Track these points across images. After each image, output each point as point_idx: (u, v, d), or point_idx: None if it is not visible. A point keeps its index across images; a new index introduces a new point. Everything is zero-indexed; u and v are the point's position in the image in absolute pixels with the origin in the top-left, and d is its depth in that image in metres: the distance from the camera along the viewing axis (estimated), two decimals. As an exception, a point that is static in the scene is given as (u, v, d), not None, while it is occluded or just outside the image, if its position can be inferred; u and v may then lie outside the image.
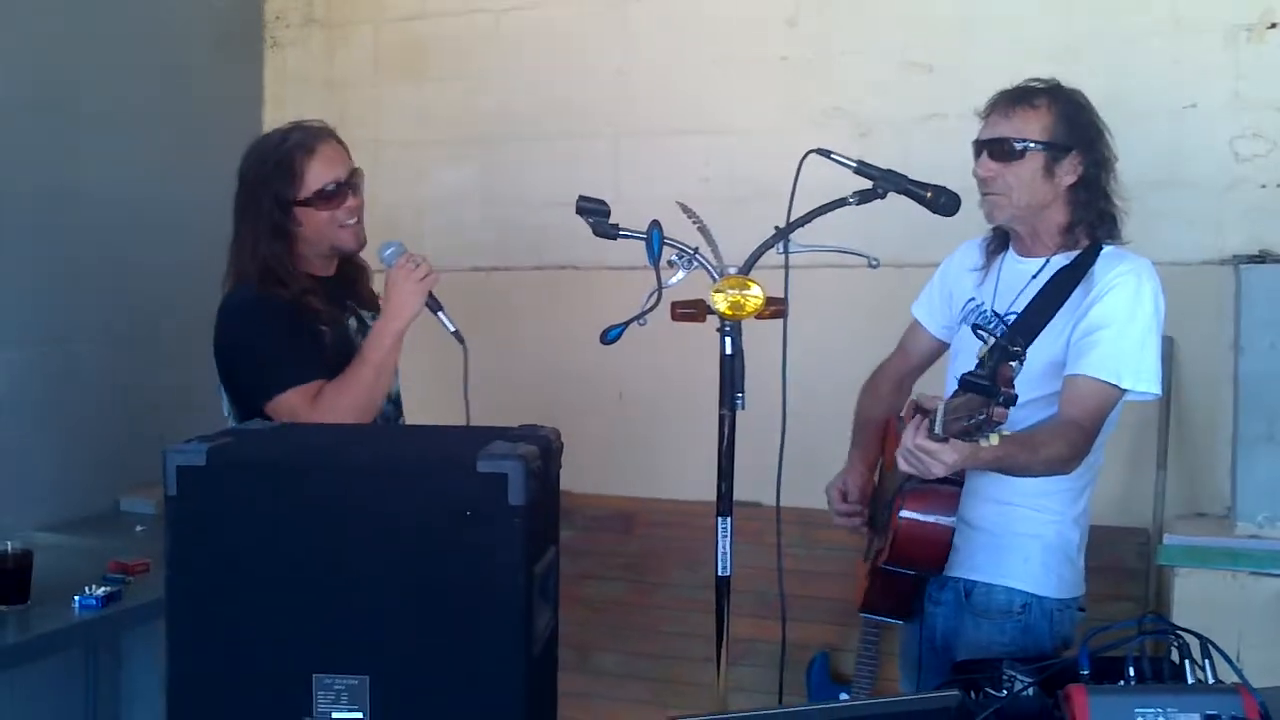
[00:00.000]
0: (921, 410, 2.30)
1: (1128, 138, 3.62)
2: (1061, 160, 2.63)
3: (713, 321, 2.27)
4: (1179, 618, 3.22)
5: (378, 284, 3.05)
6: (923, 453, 2.20)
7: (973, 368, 1.98)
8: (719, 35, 4.29)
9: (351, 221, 2.90)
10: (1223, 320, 3.62)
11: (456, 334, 2.81)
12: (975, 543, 2.65)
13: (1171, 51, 3.77)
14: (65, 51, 3.84)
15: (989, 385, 1.92)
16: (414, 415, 3.18)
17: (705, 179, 4.26)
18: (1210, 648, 1.97)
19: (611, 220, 2.39)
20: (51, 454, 3.76)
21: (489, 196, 4.60)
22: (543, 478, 1.97)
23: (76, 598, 2.74)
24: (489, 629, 1.85)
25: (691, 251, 2.29)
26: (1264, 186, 3.70)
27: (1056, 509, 2.68)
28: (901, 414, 2.87)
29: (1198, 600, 3.35)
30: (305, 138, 2.87)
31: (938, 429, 2.13)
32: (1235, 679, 1.90)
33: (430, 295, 2.82)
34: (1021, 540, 2.66)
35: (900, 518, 2.51)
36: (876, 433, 2.96)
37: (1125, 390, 2.53)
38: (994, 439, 1.96)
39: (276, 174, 2.83)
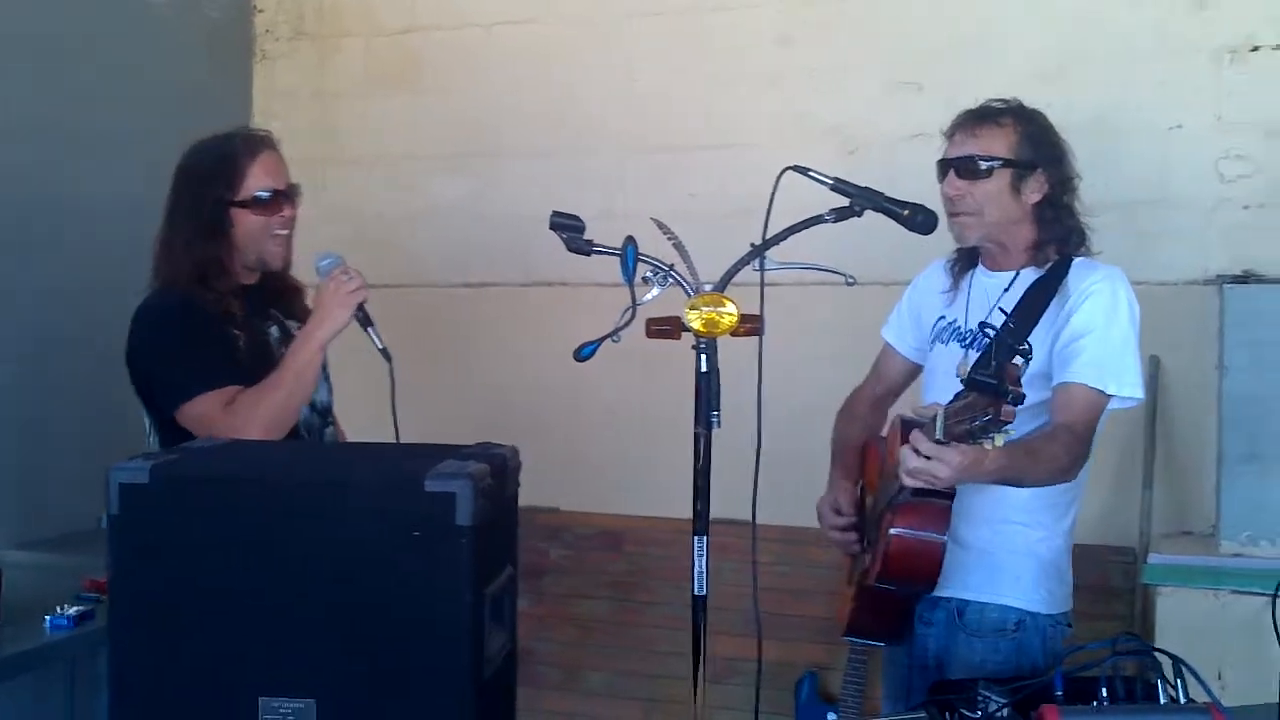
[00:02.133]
0: (914, 424, 2.30)
1: (1115, 157, 3.68)
2: (1027, 178, 2.65)
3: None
4: (1161, 637, 3.24)
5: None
6: (928, 458, 2.20)
7: (966, 374, 1.98)
8: (711, 53, 4.29)
9: (283, 233, 2.89)
10: (1208, 339, 3.62)
11: (384, 351, 2.78)
12: (968, 562, 2.64)
13: (1158, 73, 3.78)
14: (50, 64, 3.84)
15: (996, 384, 1.91)
16: (357, 432, 3.15)
17: (695, 195, 4.26)
18: (1182, 667, 1.97)
19: (592, 236, 2.39)
20: (29, 471, 3.73)
21: (480, 211, 4.60)
22: (495, 497, 1.95)
23: (48, 617, 2.71)
24: (437, 651, 1.83)
25: (666, 268, 2.29)
26: (1247, 207, 3.71)
27: (1048, 524, 2.69)
28: (884, 434, 2.87)
29: (1180, 619, 3.33)
30: (249, 141, 2.89)
31: (939, 434, 2.13)
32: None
33: (362, 310, 2.79)
34: (1015, 558, 2.66)
35: (891, 534, 2.49)
36: (855, 453, 2.96)
37: (1110, 396, 2.55)
38: (999, 440, 1.96)
39: (218, 173, 2.84)
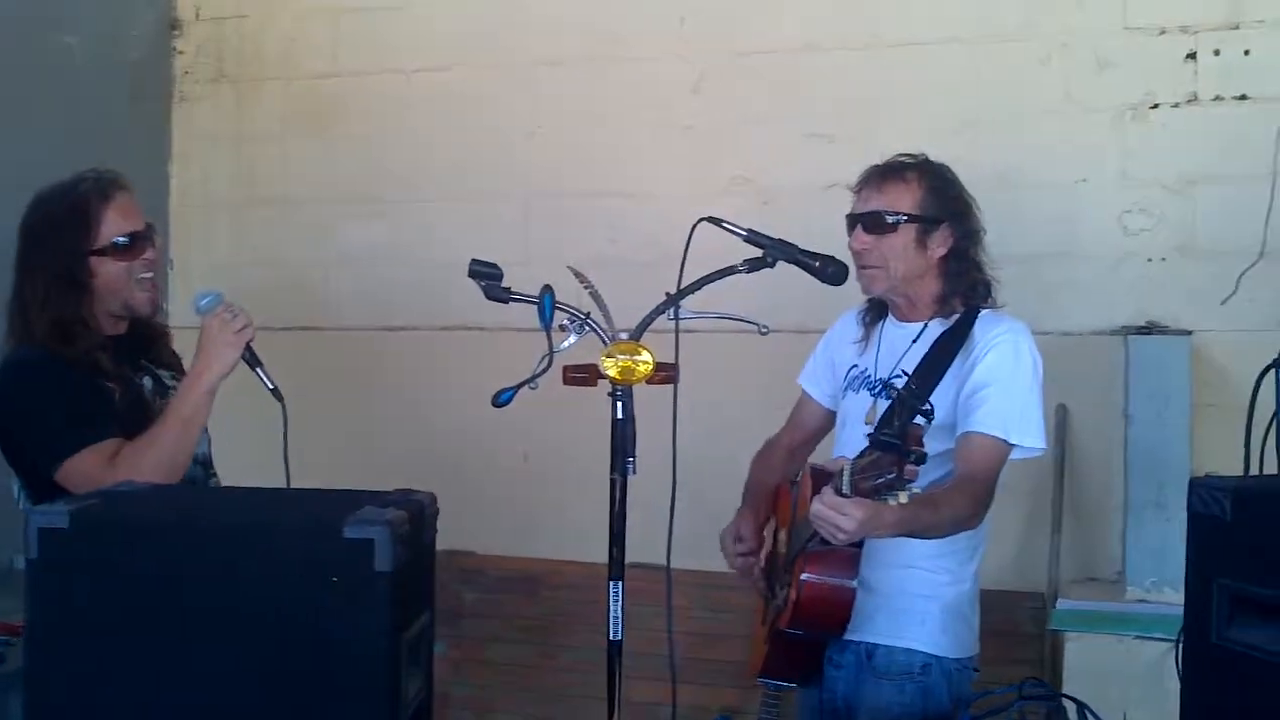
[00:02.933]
0: (825, 473, 2.33)
1: (1022, 211, 3.77)
2: (933, 232, 2.69)
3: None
4: (1070, 682, 3.29)
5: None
6: (832, 510, 2.22)
7: (873, 428, 2.02)
8: (626, 101, 4.35)
9: (147, 275, 2.71)
10: (1114, 389, 3.72)
11: (275, 391, 2.62)
12: (875, 605, 2.67)
13: (1063, 130, 3.90)
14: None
15: (899, 444, 1.96)
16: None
17: (612, 241, 4.29)
18: (1086, 713, 2.01)
19: (511, 283, 2.40)
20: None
21: (397, 255, 4.61)
22: (413, 543, 1.96)
23: (-46, 661, 2.64)
24: (355, 695, 1.83)
25: (583, 316, 2.31)
26: (1150, 260, 3.83)
27: (952, 569, 2.71)
28: (796, 479, 2.90)
29: (1087, 664, 3.39)
30: (100, 185, 2.68)
31: (845, 488, 2.15)
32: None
33: (249, 349, 2.62)
34: (920, 602, 2.69)
35: (802, 580, 2.52)
36: (767, 496, 2.98)
37: (1013, 445, 2.59)
38: (902, 497, 2.00)
39: (70, 222, 2.63)
